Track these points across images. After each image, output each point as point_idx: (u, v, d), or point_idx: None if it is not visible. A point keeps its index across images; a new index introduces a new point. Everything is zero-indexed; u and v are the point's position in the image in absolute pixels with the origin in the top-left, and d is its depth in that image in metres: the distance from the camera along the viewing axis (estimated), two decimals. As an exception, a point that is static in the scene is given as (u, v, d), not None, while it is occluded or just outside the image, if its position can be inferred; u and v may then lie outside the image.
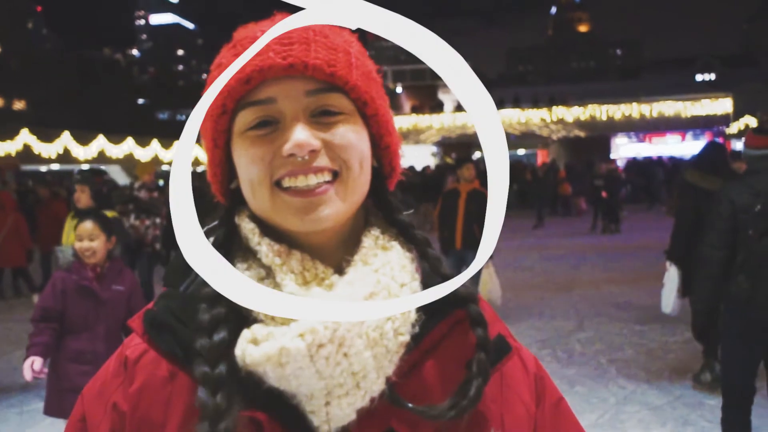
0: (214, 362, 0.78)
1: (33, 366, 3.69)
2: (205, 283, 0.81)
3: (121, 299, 4.00)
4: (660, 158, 33.10)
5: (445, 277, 0.87)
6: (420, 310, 0.84)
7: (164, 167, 38.99)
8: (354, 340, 0.78)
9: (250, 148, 0.82)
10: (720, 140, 6.92)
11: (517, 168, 26.10)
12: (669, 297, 5.71)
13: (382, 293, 0.82)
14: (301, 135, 0.79)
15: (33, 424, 5.53)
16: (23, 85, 65.69)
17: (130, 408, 0.85)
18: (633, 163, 31.99)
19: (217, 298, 0.80)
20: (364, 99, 0.84)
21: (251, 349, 0.78)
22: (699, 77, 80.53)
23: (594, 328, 8.05)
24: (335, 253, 0.87)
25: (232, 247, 0.89)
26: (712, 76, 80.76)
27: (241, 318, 0.83)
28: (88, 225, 4.00)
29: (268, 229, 0.87)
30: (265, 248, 0.85)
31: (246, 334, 0.80)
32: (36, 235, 11.19)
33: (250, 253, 0.88)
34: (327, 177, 0.82)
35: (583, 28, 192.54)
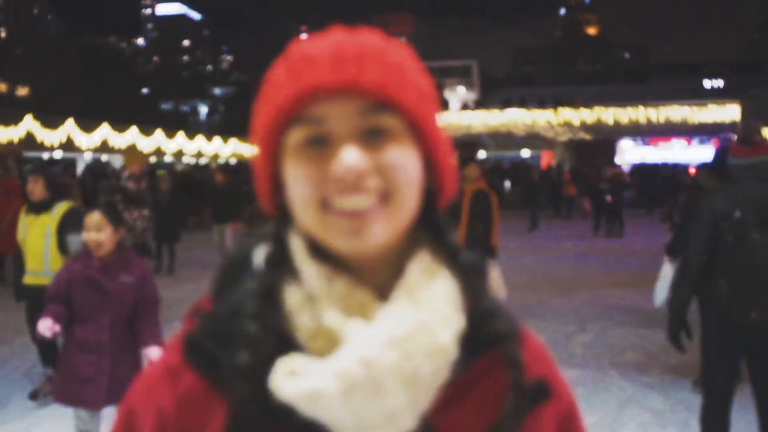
0: (248, 382, 0.78)
1: (48, 325, 3.73)
2: (248, 298, 0.82)
3: (129, 290, 3.97)
4: (665, 164, 33.12)
5: (485, 312, 0.86)
6: (462, 346, 0.82)
7: (166, 158, 39.04)
8: (390, 382, 0.76)
9: (299, 166, 0.81)
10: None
11: (521, 169, 26.03)
12: (662, 290, 5.81)
13: (422, 329, 0.79)
14: (350, 157, 0.78)
15: (34, 410, 5.56)
16: (27, 72, 65.68)
17: (173, 413, 0.85)
18: (637, 168, 32.01)
19: (260, 316, 0.80)
20: (416, 120, 0.82)
21: (285, 381, 0.77)
22: (707, 83, 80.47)
23: (596, 331, 8.07)
24: (380, 273, 0.85)
25: (284, 262, 0.87)
26: (721, 83, 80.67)
27: (282, 337, 0.81)
28: (95, 216, 3.95)
29: (316, 246, 0.85)
30: (309, 272, 0.83)
31: (282, 364, 0.79)
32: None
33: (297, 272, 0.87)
34: (375, 199, 0.80)
35: (591, 30, 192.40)
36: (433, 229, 0.90)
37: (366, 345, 0.76)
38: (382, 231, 0.80)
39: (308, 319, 0.80)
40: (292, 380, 0.76)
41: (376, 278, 0.84)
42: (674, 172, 25.61)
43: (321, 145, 0.80)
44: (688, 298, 4.15)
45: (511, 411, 0.82)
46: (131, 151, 29.42)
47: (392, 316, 0.79)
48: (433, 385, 0.79)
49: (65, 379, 3.94)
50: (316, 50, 0.79)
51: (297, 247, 0.85)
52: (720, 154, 5.99)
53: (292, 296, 0.83)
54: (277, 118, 0.80)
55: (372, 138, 0.80)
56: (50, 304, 3.87)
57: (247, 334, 0.80)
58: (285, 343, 0.81)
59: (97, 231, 3.92)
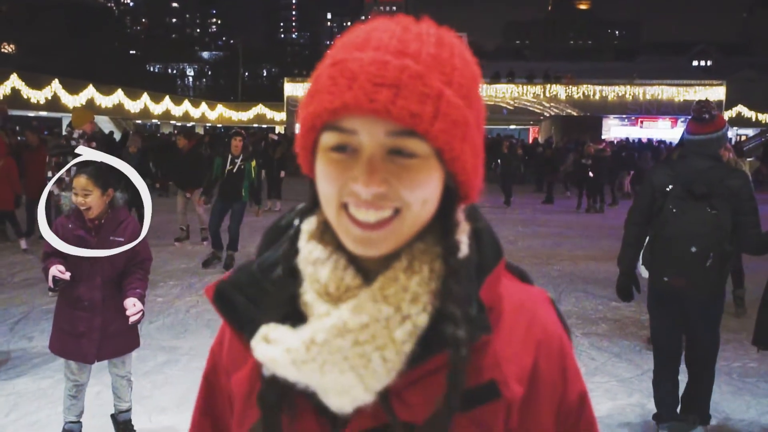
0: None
1: (61, 269, 3.77)
2: (278, 264, 0.95)
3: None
4: (650, 140, 33.28)
5: (448, 315, 0.88)
6: (419, 342, 0.87)
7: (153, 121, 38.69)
8: (337, 363, 0.85)
9: (327, 168, 0.87)
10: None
11: (497, 142, 25.60)
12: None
13: (379, 324, 0.86)
14: (369, 178, 0.83)
15: (19, 364, 5.67)
16: (14, 30, 64.52)
17: (228, 341, 1.04)
18: (622, 145, 32.11)
19: (283, 285, 0.93)
20: (443, 148, 0.85)
21: (259, 345, 0.89)
22: (695, 63, 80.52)
23: (571, 302, 8.28)
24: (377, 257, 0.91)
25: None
26: (709, 63, 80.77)
27: (295, 300, 0.93)
28: (81, 180, 3.90)
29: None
30: (303, 253, 0.94)
31: (263, 330, 0.90)
32: (23, 181, 11.17)
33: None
34: (387, 213, 0.85)
35: (583, 6, 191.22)
36: (444, 224, 0.94)
37: (318, 330, 0.86)
38: (390, 243, 0.88)
39: (302, 290, 0.91)
40: (263, 346, 0.89)
41: (372, 261, 0.92)
42: (619, 148, 25.36)
43: (348, 153, 0.86)
44: (631, 260, 4.50)
45: (444, 412, 0.88)
46: (79, 109, 29.04)
47: (353, 308, 0.87)
48: (385, 370, 0.86)
49: (59, 332, 4.00)
50: (359, 64, 0.84)
51: (305, 227, 0.96)
52: None
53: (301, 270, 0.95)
54: (314, 122, 0.87)
55: (396, 157, 0.85)
56: (50, 258, 3.87)
57: (272, 300, 0.94)
58: (297, 305, 0.93)
59: (84, 195, 3.90)
